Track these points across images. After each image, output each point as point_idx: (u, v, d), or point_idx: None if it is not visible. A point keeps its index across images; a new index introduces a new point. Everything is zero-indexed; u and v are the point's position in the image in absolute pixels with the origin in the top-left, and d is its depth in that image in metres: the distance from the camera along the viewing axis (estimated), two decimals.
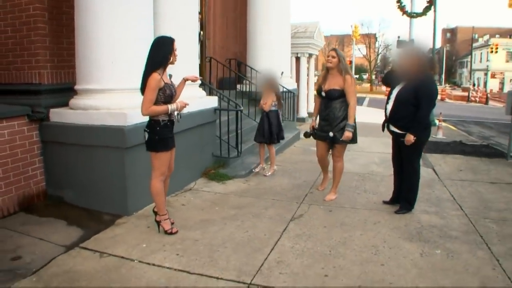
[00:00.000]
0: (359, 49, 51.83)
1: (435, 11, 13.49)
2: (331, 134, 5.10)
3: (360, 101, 27.92)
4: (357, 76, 59.99)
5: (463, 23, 73.96)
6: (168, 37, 3.81)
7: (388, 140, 9.81)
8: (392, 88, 4.75)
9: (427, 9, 13.36)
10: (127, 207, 4.50)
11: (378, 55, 58.98)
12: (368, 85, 54.31)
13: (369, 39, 56.25)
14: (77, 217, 4.42)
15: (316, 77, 13.76)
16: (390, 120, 4.72)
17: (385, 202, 5.16)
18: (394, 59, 5.26)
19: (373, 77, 55.96)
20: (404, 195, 4.86)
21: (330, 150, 5.41)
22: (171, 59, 3.78)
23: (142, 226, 4.22)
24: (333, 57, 5.04)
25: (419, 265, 3.55)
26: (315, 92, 6.25)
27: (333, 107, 5.05)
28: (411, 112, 4.47)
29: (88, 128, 4.51)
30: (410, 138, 4.50)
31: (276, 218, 4.58)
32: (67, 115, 4.70)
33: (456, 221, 4.60)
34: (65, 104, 4.88)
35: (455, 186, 6.05)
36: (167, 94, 3.77)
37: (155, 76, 3.63)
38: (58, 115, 4.76)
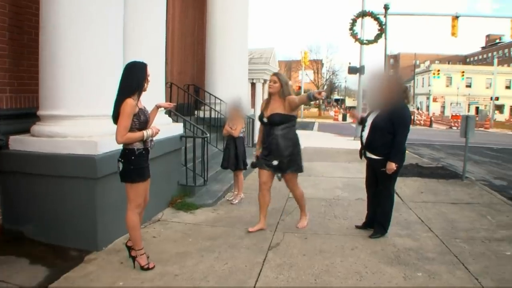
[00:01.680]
0: (306, 74, 53.10)
1: (385, 38, 14.15)
2: (275, 162, 4.76)
3: (310, 126, 28.56)
4: None
5: (405, 50, 78.39)
6: (141, 62, 3.63)
7: (346, 164, 10.21)
8: (367, 116, 4.82)
9: (378, 37, 14.03)
10: (96, 241, 4.19)
11: (326, 80, 60.81)
12: (316, 109, 55.59)
13: (317, 64, 57.96)
14: (41, 254, 4.04)
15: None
16: (366, 147, 4.77)
17: (357, 227, 5.17)
18: (368, 86, 5.17)
19: (321, 102, 57.33)
20: (378, 219, 4.88)
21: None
22: (145, 85, 3.63)
23: (114, 262, 3.94)
24: (275, 82, 4.76)
25: None
26: None
27: (275, 134, 4.71)
28: (387, 139, 4.55)
29: (54, 157, 4.19)
30: (392, 166, 4.55)
31: (253, 248, 4.44)
32: (30, 143, 4.34)
33: (429, 243, 4.69)
34: (26, 131, 4.54)
35: (420, 208, 6.21)
36: (142, 120, 3.61)
37: (130, 101, 3.46)
38: (19, 143, 4.39)
